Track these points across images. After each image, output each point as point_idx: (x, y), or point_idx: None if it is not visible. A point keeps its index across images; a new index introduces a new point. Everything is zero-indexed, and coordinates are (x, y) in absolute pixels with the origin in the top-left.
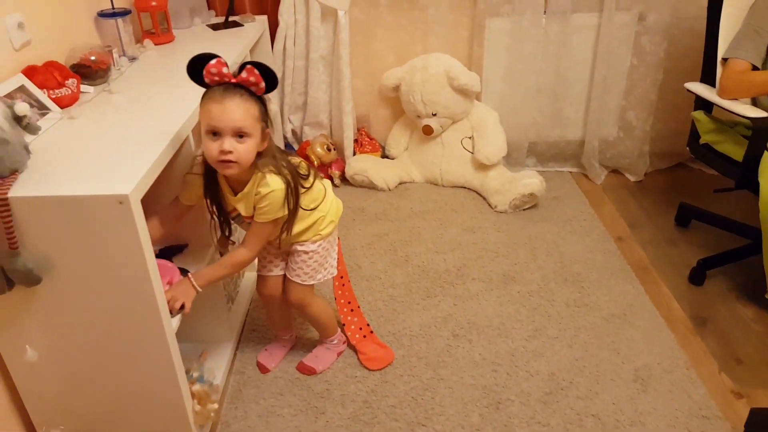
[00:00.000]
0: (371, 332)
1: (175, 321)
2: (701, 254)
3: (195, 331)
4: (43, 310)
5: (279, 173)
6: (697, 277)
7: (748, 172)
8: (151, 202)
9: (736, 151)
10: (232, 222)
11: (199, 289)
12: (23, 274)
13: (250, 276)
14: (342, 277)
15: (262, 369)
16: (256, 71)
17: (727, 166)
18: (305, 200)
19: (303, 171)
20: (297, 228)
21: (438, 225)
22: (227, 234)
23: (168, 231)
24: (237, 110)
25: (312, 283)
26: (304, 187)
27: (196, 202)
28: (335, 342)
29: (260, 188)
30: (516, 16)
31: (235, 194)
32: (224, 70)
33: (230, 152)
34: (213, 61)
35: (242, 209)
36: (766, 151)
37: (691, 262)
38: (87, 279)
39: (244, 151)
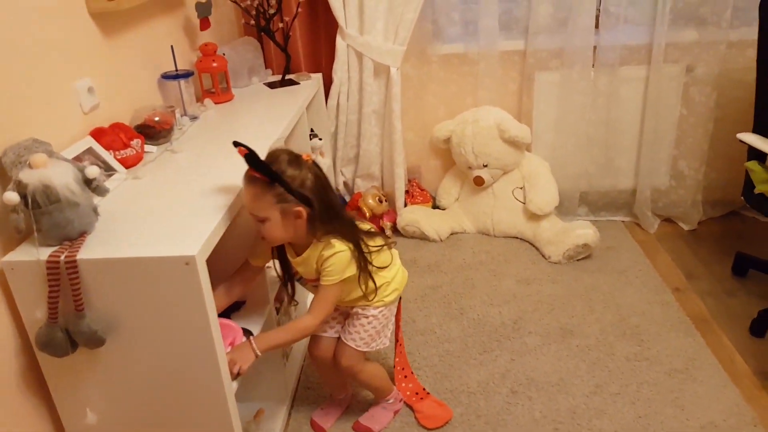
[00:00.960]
0: (428, 394)
1: (235, 383)
2: (761, 305)
3: (250, 387)
4: (105, 371)
5: (342, 240)
6: (758, 328)
7: None
8: (210, 261)
9: None
10: (295, 284)
11: (259, 354)
12: (87, 336)
13: None
14: (400, 344)
15: (318, 429)
16: (256, 173)
17: None
18: (375, 261)
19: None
20: (361, 291)
21: (491, 276)
22: (291, 293)
23: (236, 298)
24: (251, 202)
25: (365, 350)
26: (367, 245)
27: (264, 263)
28: (391, 401)
29: (324, 251)
30: (565, 70)
31: (297, 256)
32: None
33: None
34: (237, 149)
35: (302, 271)
36: None
37: (752, 312)
38: (150, 340)
39: (266, 231)
